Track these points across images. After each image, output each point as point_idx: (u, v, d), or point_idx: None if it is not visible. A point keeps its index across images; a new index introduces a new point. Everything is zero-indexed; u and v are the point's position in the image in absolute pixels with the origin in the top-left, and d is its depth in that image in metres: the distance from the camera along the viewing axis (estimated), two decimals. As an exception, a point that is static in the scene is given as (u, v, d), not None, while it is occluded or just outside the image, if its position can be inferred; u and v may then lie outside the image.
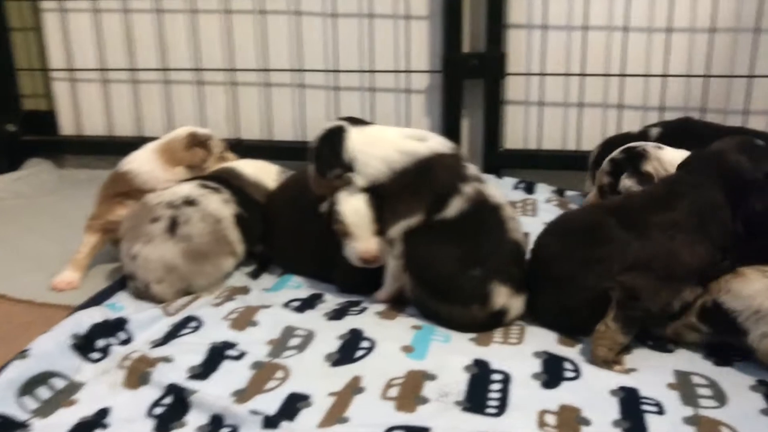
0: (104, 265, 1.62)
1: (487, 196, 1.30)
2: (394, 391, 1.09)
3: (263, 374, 1.15)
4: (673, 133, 1.81)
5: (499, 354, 1.19)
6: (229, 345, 1.23)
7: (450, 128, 2.12)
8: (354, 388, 1.10)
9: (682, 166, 1.29)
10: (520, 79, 2.10)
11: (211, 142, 1.69)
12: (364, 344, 1.22)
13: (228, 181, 1.59)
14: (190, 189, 1.52)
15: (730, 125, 1.92)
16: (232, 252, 1.51)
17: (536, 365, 1.15)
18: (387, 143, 1.33)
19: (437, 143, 1.35)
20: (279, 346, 1.23)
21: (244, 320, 1.31)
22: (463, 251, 1.26)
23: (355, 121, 1.41)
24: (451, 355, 1.18)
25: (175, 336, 1.26)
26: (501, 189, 1.98)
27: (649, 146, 1.49)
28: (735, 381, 1.12)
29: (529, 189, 2.02)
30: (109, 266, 1.61)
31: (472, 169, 1.35)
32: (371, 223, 1.34)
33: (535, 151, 2.13)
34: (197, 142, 1.66)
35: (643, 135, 1.82)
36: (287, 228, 1.55)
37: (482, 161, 2.14)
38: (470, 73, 2.07)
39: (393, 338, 1.23)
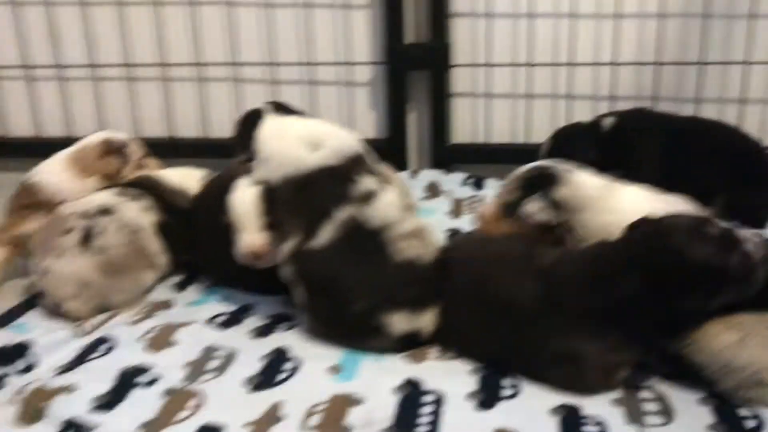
0: (19, 280, 1.50)
1: (363, 221, 1.15)
2: (315, 419, 1.00)
3: (175, 403, 1.05)
4: (627, 123, 1.74)
5: (433, 371, 1.11)
6: (142, 369, 1.12)
7: (396, 122, 2.03)
8: (272, 416, 1.01)
9: (626, 232, 1.09)
10: (466, 70, 2.02)
11: (127, 149, 1.56)
12: (288, 365, 1.13)
13: (149, 187, 1.48)
14: (106, 197, 1.40)
15: (684, 115, 1.86)
16: (153, 264, 1.40)
17: (472, 383, 1.07)
18: (288, 144, 1.20)
19: (331, 152, 1.19)
20: (196, 369, 1.13)
21: (161, 340, 1.20)
22: (339, 286, 1.15)
23: (281, 108, 1.29)
24: (381, 375, 1.09)
25: (84, 360, 1.16)
26: (450, 184, 1.95)
27: (563, 169, 1.28)
28: (684, 395, 1.04)
29: (478, 185, 1.94)
30: (23, 282, 1.49)
31: (366, 183, 1.17)
32: (259, 215, 1.22)
33: (484, 145, 2.05)
34: (112, 149, 1.54)
35: (595, 125, 1.75)
36: (210, 234, 1.44)
37: (430, 156, 2.06)
38: (414, 64, 1.98)
39: (320, 357, 1.14)
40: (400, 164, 2.05)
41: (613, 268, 1.04)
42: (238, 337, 1.23)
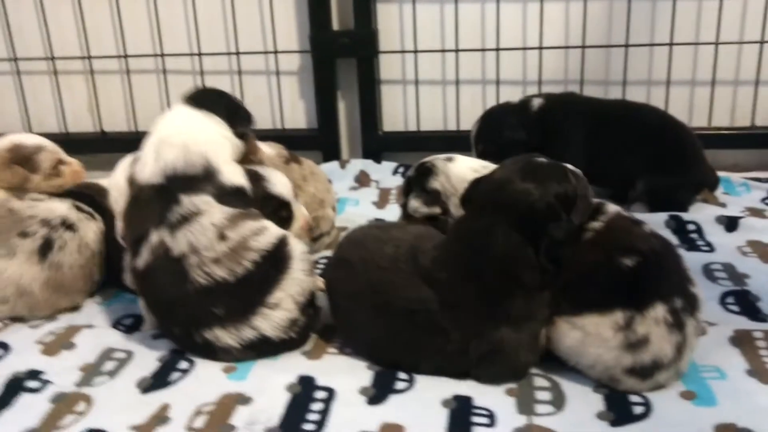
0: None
1: (168, 248, 1.09)
2: (201, 421, 0.98)
3: (62, 408, 1.02)
4: (554, 105, 1.74)
5: (329, 367, 1.09)
6: (34, 374, 1.10)
7: (326, 111, 2.01)
8: (159, 418, 0.99)
9: (466, 206, 1.11)
10: (394, 57, 1.99)
11: (38, 156, 1.37)
12: (183, 365, 1.11)
13: (95, 201, 1.40)
14: (66, 210, 1.33)
15: (612, 99, 1.86)
16: (90, 290, 1.36)
17: (366, 378, 1.06)
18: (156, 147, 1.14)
19: (155, 169, 1.11)
20: (91, 371, 1.11)
21: (59, 343, 1.18)
22: (158, 309, 1.15)
23: (198, 103, 1.20)
24: (275, 373, 1.08)
25: (-26, 368, 1.13)
26: (380, 173, 1.93)
27: (439, 160, 1.32)
28: (579, 383, 1.04)
29: (409, 173, 1.92)
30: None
31: (186, 204, 1.09)
32: None
33: (415, 133, 2.03)
34: (19, 157, 1.35)
35: (524, 105, 1.74)
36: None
37: (361, 145, 2.04)
38: (341, 51, 1.96)
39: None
40: (333, 154, 2.03)
41: (480, 235, 1.04)
42: (140, 338, 1.20)
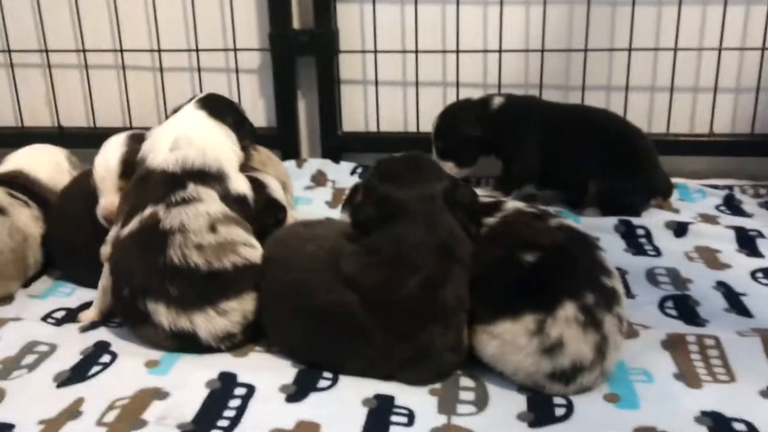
0: None
1: (159, 220, 1.12)
2: (112, 415, 0.96)
3: (-26, 401, 1.00)
4: (514, 106, 1.73)
5: (253, 365, 1.07)
6: (-48, 367, 1.08)
7: (285, 110, 1.99)
8: (71, 413, 0.97)
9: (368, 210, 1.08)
10: (355, 57, 1.98)
11: None
12: (105, 358, 1.09)
13: (29, 189, 1.40)
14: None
15: (570, 103, 1.85)
16: (24, 276, 1.35)
17: (289, 376, 1.04)
18: (164, 135, 1.20)
19: (171, 159, 1.18)
20: (10, 365, 1.09)
21: (-18, 336, 1.16)
22: (121, 269, 1.14)
23: (212, 111, 1.27)
24: (197, 369, 1.06)
25: None
26: (338, 174, 1.91)
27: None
28: (504, 382, 1.02)
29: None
30: None
31: (190, 190, 1.15)
32: (118, 177, 1.25)
33: (375, 134, 2.02)
34: None
35: (484, 103, 1.75)
36: (68, 226, 1.38)
37: (321, 145, 2.02)
38: (301, 50, 1.94)
39: (140, 353, 1.10)
40: (292, 154, 2.01)
41: (412, 227, 1.03)
42: (67, 331, 1.18)
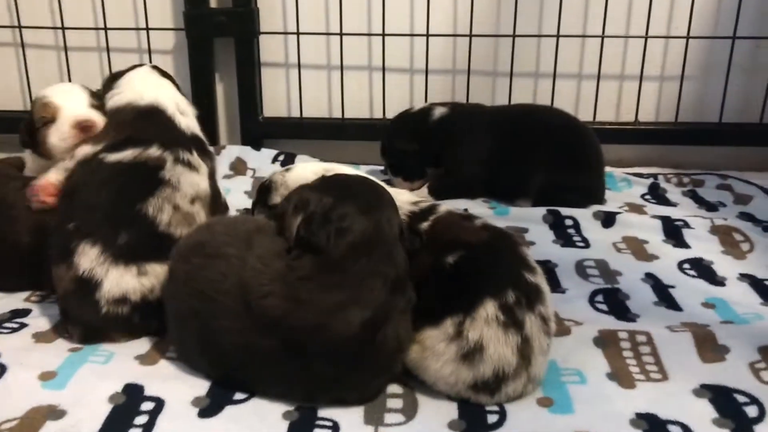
0: None
1: (159, 165, 1.11)
2: (0, 438, 0.86)
3: None
4: (457, 115, 1.67)
5: (163, 374, 0.98)
6: None
7: (202, 94, 1.87)
8: (-49, 437, 0.86)
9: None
10: (276, 39, 1.88)
11: None
12: (-7, 373, 0.97)
13: None
14: None
15: (516, 103, 1.80)
16: None
17: (203, 387, 0.95)
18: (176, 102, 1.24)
19: (181, 116, 1.21)
20: None
21: None
22: (75, 197, 1.09)
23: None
24: (99, 380, 0.96)
25: None
26: (258, 161, 1.82)
27: (277, 174, 1.29)
28: (434, 390, 0.97)
29: (290, 162, 1.82)
30: None
31: (196, 158, 1.17)
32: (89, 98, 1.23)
33: (298, 120, 1.93)
34: None
35: (424, 114, 1.68)
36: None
37: (240, 131, 1.92)
38: (218, 30, 1.83)
39: (34, 364, 0.99)
40: (210, 140, 1.87)
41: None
42: (-51, 339, 1.06)
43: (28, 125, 1.27)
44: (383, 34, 1.84)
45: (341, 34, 1.85)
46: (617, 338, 1.07)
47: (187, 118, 1.22)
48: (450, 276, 0.96)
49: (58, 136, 1.21)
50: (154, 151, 1.12)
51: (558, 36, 1.82)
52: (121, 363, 1.01)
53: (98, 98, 1.26)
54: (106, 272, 1.03)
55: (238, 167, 1.79)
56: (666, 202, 1.66)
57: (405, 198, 1.12)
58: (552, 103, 1.82)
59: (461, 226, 1.04)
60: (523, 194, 1.61)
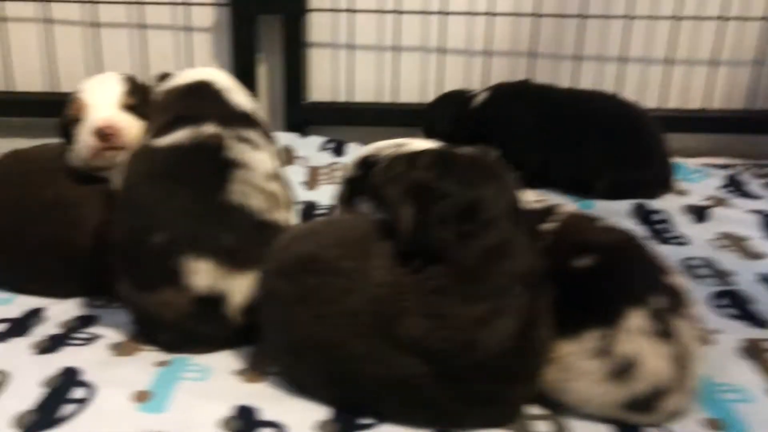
0: None
1: (221, 145, 0.95)
2: (105, 477, 0.73)
3: None
4: (499, 100, 1.55)
5: (273, 395, 0.86)
6: None
7: (243, 75, 1.70)
8: (46, 473, 0.73)
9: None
10: (325, 16, 1.75)
11: None
12: (79, 393, 0.84)
13: None
14: None
15: (563, 87, 1.68)
16: None
17: (325, 410, 0.83)
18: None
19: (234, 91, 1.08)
20: (-52, 404, 0.82)
21: None
22: (146, 200, 0.92)
23: None
24: (203, 402, 0.83)
25: None
26: (306, 149, 1.69)
27: (387, 149, 1.03)
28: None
29: (339, 150, 1.69)
30: None
31: (257, 136, 1.01)
32: (121, 94, 1.07)
33: (346, 104, 1.80)
34: None
35: (466, 101, 1.57)
36: (3, 227, 1.10)
37: (284, 116, 1.79)
38: (264, 7, 1.69)
39: (122, 381, 0.86)
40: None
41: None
42: (17, 352, 0.93)
43: (62, 123, 1.11)
44: (442, 12, 1.72)
45: (397, 12, 1.72)
46: (761, 348, 0.97)
47: (240, 96, 1.08)
48: (583, 282, 0.85)
49: (80, 142, 1.05)
50: (208, 129, 0.96)
51: (628, 17, 1.71)
52: (220, 380, 0.88)
53: (140, 94, 1.09)
54: (229, 284, 0.89)
55: (286, 156, 1.66)
56: (749, 195, 1.56)
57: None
58: (618, 89, 1.71)
59: (590, 226, 0.93)
60: (580, 186, 1.51)
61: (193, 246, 0.88)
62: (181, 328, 0.91)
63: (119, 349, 0.94)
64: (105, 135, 1.02)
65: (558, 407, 0.85)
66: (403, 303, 0.79)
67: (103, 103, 1.05)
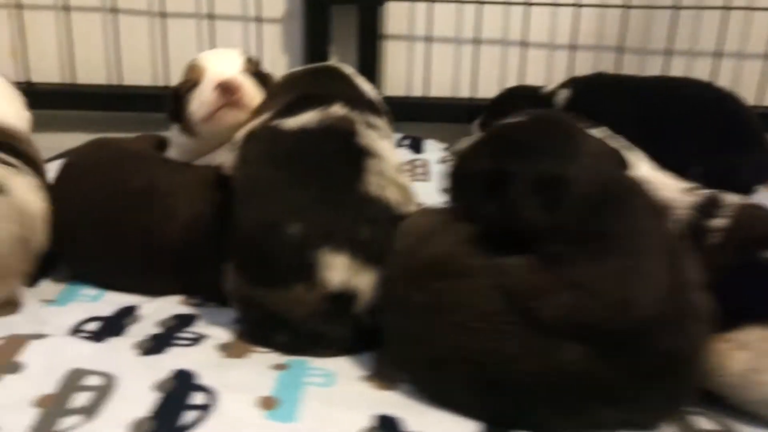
0: None
1: (354, 130, 0.89)
2: (246, 494, 0.64)
3: (17, 471, 0.66)
4: (584, 96, 1.44)
5: (412, 404, 0.77)
6: (-34, 414, 0.72)
7: (315, 69, 1.66)
8: (177, 490, 0.65)
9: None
10: (402, 6, 1.67)
11: None
12: (198, 398, 0.75)
13: (11, 146, 1.03)
14: None
15: (650, 76, 1.60)
16: (26, 270, 0.98)
17: (473, 421, 0.74)
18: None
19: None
20: (55, 408, 0.73)
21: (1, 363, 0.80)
22: (279, 186, 0.84)
23: None
24: (336, 411, 0.74)
25: None
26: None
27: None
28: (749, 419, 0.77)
29: (416, 147, 1.61)
30: None
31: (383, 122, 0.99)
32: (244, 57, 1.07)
33: (421, 99, 1.72)
34: None
35: (550, 97, 1.47)
36: (91, 217, 1.03)
37: (357, 111, 1.71)
38: (340, -3, 1.62)
39: (242, 386, 0.77)
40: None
41: None
42: (118, 353, 0.84)
43: (175, 92, 1.07)
44: (526, 3, 1.63)
45: (478, 2, 1.64)
46: None
47: (366, 84, 1.04)
48: None
49: (198, 101, 1.02)
50: (338, 111, 0.90)
51: (725, 8, 1.62)
52: (348, 386, 0.79)
53: (256, 66, 1.08)
54: (361, 281, 0.82)
55: (363, 151, 1.58)
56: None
57: (672, 184, 0.92)
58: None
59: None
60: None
61: (330, 239, 0.81)
62: (305, 328, 0.82)
63: (228, 351, 0.86)
64: (227, 89, 1.00)
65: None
66: (537, 286, 0.71)
67: (225, 64, 1.05)
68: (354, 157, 0.87)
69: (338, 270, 0.80)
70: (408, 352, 0.78)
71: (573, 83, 1.49)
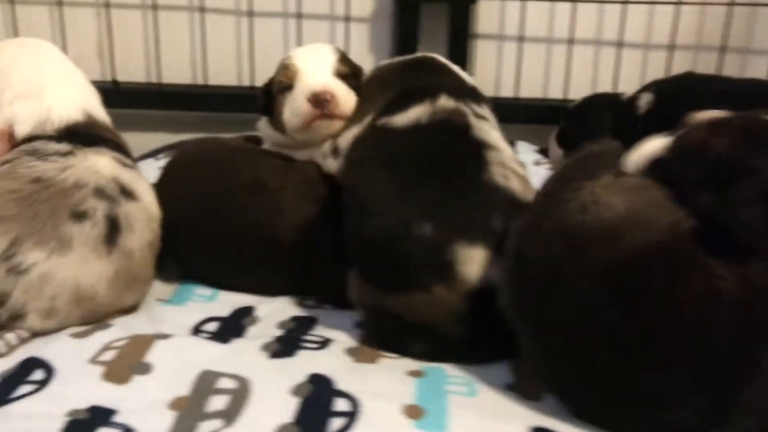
0: None
1: (467, 124, 0.87)
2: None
3: (165, 476, 0.63)
4: (668, 101, 1.34)
5: (565, 412, 0.73)
6: (103, 413, 0.70)
7: (403, 69, 1.63)
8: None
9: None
10: (494, 5, 1.63)
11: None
12: (341, 405, 0.72)
13: (114, 143, 0.99)
14: (115, 168, 0.92)
15: (741, 78, 1.52)
16: (154, 274, 0.97)
17: (632, 434, 0.70)
18: None
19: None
20: (192, 412, 0.71)
21: (126, 364, 0.77)
22: (401, 189, 0.80)
23: None
24: (490, 421, 0.70)
25: (5, 401, 0.72)
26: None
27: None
28: None
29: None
30: None
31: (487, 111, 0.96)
32: (335, 61, 1.01)
33: (512, 100, 1.67)
34: None
35: (631, 103, 1.38)
36: (201, 213, 1.01)
37: (444, 112, 1.67)
38: (430, -5, 1.59)
39: (382, 393, 0.73)
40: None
41: None
42: (246, 355, 0.81)
43: (267, 89, 1.04)
44: (623, 1, 1.58)
45: (572, 1, 1.59)
46: None
47: (462, 72, 1.02)
48: None
49: (291, 109, 0.98)
50: (446, 103, 0.88)
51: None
52: (492, 395, 0.75)
53: (350, 65, 1.03)
54: (496, 274, 0.77)
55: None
56: None
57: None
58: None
59: None
60: None
61: (465, 233, 0.77)
62: (447, 333, 0.78)
63: (358, 355, 0.82)
64: (321, 101, 0.96)
65: None
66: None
67: (318, 69, 0.99)
68: (474, 149, 0.85)
69: (476, 264, 0.77)
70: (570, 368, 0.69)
71: (655, 86, 1.40)
